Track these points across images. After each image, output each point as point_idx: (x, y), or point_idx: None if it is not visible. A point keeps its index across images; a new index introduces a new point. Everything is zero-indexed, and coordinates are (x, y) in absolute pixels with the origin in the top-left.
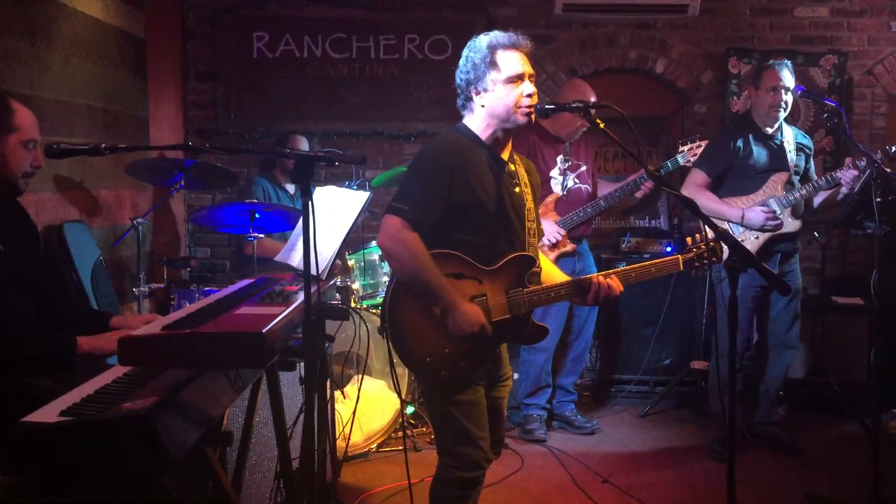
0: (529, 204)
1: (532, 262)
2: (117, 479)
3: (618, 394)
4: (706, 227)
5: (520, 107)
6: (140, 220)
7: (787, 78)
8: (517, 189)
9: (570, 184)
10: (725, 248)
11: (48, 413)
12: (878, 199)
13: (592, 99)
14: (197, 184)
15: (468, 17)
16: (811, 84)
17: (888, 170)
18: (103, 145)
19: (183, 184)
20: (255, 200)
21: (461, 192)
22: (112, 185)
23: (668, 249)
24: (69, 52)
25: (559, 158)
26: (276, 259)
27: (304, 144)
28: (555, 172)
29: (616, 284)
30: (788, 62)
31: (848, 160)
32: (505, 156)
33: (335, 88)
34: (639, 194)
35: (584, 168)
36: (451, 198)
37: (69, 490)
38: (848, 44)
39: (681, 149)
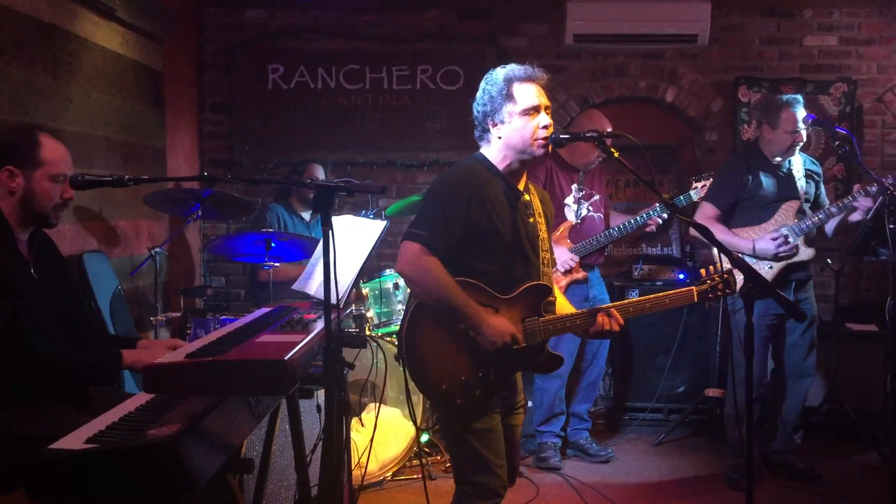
0: (543, 234)
1: (548, 291)
2: None
3: (632, 421)
4: (721, 255)
5: (536, 139)
6: (157, 249)
7: (800, 114)
8: (531, 219)
9: (584, 212)
10: (739, 279)
11: (74, 440)
12: (892, 226)
13: (608, 129)
14: (213, 213)
15: (479, 48)
16: (821, 112)
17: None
18: (126, 177)
19: (200, 214)
20: (270, 228)
21: (478, 220)
22: (130, 216)
23: (681, 277)
24: (89, 86)
25: (574, 187)
26: (293, 287)
27: (320, 173)
28: (569, 200)
29: (617, 320)
30: (801, 97)
31: (857, 187)
32: (521, 186)
33: (349, 119)
34: (650, 227)
35: (597, 197)
36: (467, 224)
37: None
38: (857, 72)
39: (694, 185)
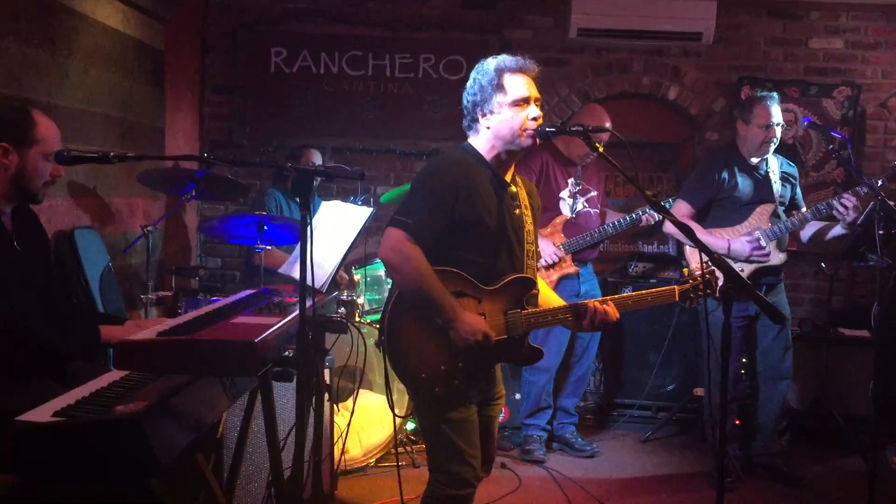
0: (529, 226)
1: (532, 284)
2: (106, 480)
3: (620, 418)
4: (700, 254)
5: (525, 130)
6: (150, 227)
7: (778, 114)
8: (517, 211)
9: (579, 207)
10: (720, 279)
11: (42, 413)
12: (881, 232)
13: (607, 124)
14: (208, 194)
15: (483, 38)
16: (824, 115)
17: (891, 202)
18: (112, 153)
19: (194, 194)
20: (267, 212)
21: (464, 209)
22: (125, 194)
23: (676, 276)
24: (88, 62)
25: (570, 181)
26: (279, 271)
27: (317, 158)
28: (565, 194)
29: (612, 311)
30: (776, 94)
31: (845, 195)
32: (508, 177)
33: (350, 105)
34: (644, 223)
35: (594, 193)
36: (453, 214)
37: (58, 490)
38: (862, 76)
39: None
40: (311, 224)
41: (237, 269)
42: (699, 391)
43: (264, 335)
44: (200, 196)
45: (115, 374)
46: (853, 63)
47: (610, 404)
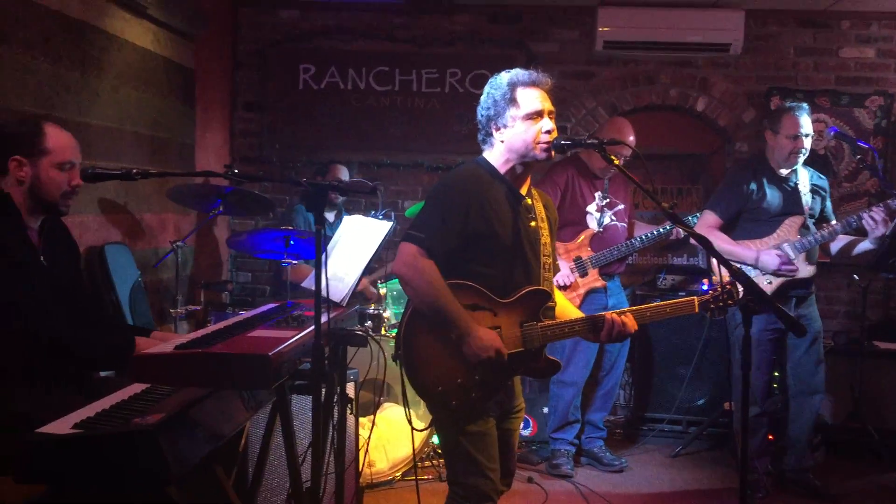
0: (545, 239)
1: (547, 296)
2: (122, 491)
3: (649, 432)
4: (720, 266)
5: (538, 143)
6: (180, 242)
7: (807, 124)
8: (533, 223)
9: (606, 220)
10: (741, 290)
11: (62, 425)
12: None
13: (630, 138)
14: (235, 210)
15: (509, 52)
16: (856, 125)
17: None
18: (134, 170)
19: (221, 209)
20: (294, 227)
21: (477, 223)
22: (156, 210)
23: (705, 288)
24: (119, 82)
25: (597, 195)
26: (302, 285)
27: (344, 174)
28: (592, 208)
29: (631, 322)
30: (806, 105)
31: (875, 208)
32: (523, 190)
33: (377, 120)
34: (674, 237)
35: (621, 206)
36: (466, 227)
37: (76, 501)
38: (894, 85)
39: None
40: (325, 237)
41: (267, 284)
42: (730, 405)
43: (279, 348)
44: (228, 211)
45: (137, 387)
46: (885, 72)
47: (639, 418)
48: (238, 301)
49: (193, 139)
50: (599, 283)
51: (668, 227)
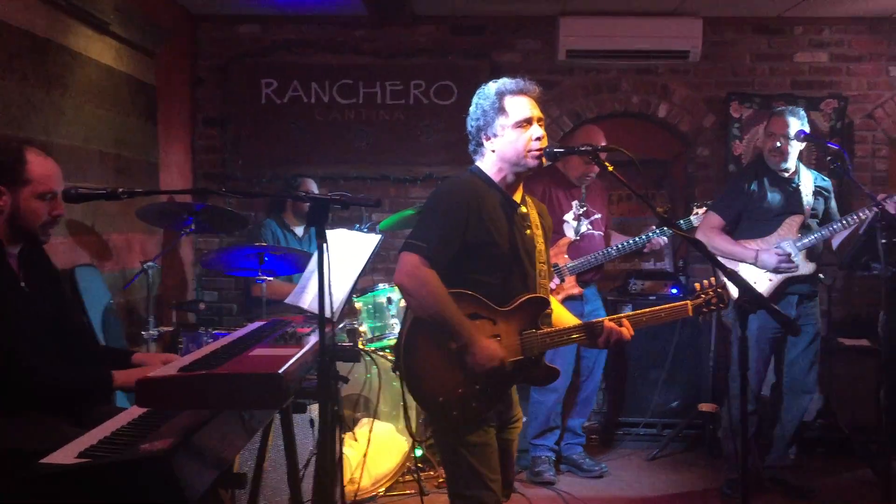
0: (541, 246)
1: (545, 303)
2: None
3: (625, 437)
4: (715, 268)
5: (529, 150)
6: (150, 263)
7: (793, 125)
8: (528, 231)
9: (583, 229)
10: (734, 292)
11: (65, 455)
12: (884, 241)
13: (602, 143)
14: (206, 227)
15: (473, 63)
16: (812, 128)
17: (893, 212)
18: (120, 189)
19: (193, 227)
20: (265, 243)
21: (476, 231)
22: (123, 230)
23: (674, 292)
24: (83, 99)
25: (575, 203)
26: (286, 301)
27: (314, 187)
28: (569, 216)
29: (627, 329)
30: (798, 109)
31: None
32: (517, 198)
33: (342, 133)
34: (649, 249)
35: (598, 216)
36: (466, 236)
37: None
38: (848, 88)
39: (695, 211)
40: (301, 253)
41: (234, 302)
42: (704, 407)
43: (287, 366)
44: (199, 229)
45: (132, 413)
46: (838, 76)
47: (615, 423)
48: (205, 321)
49: (157, 156)
50: (576, 291)
51: (644, 239)
